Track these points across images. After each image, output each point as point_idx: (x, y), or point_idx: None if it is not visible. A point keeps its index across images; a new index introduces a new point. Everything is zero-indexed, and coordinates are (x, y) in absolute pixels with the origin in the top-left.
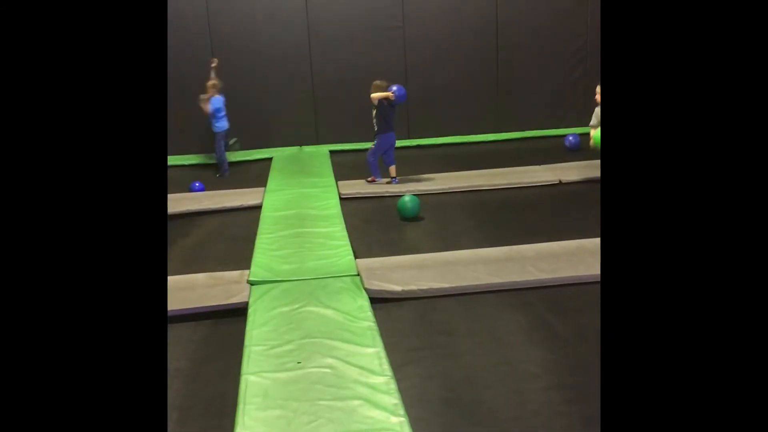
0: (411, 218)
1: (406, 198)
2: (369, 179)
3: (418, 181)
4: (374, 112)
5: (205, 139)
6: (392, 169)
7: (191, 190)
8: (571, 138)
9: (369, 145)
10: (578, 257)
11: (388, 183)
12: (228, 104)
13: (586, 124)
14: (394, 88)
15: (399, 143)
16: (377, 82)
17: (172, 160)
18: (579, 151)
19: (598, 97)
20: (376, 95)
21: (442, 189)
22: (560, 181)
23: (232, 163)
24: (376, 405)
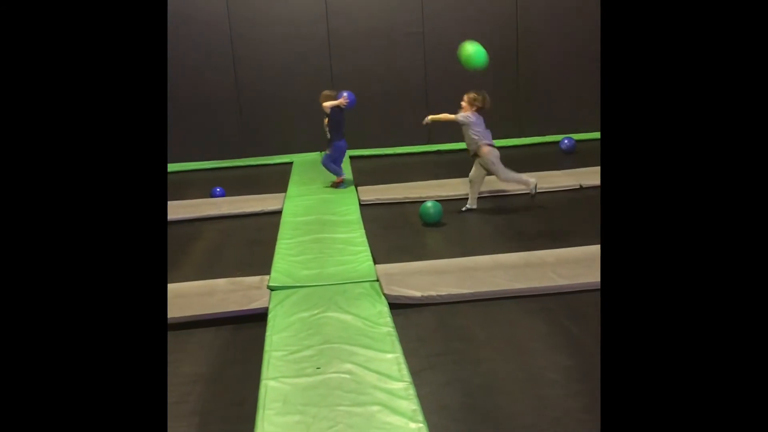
0: (433, 224)
1: (429, 204)
2: (336, 181)
3: (439, 186)
4: (326, 120)
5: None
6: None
7: (212, 195)
8: (566, 141)
9: (390, 150)
10: (598, 263)
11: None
12: (250, 109)
13: None
14: (345, 94)
15: (418, 149)
16: (326, 92)
17: (194, 165)
18: (575, 153)
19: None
20: (329, 104)
21: (462, 194)
22: (581, 185)
23: (250, 167)
24: (395, 411)
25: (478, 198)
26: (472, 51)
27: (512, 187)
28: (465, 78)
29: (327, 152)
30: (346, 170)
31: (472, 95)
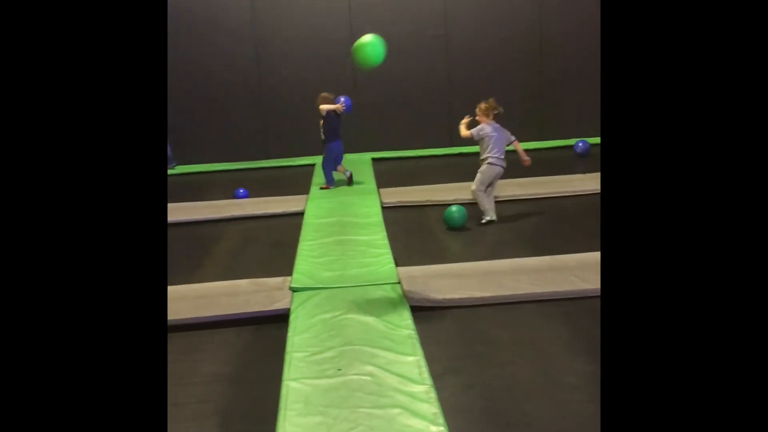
0: (457, 228)
1: (454, 208)
2: (322, 187)
3: (461, 189)
4: (321, 122)
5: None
6: (340, 168)
7: (236, 197)
8: (581, 144)
9: (412, 153)
10: None
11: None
12: (273, 111)
13: None
14: (342, 99)
15: (441, 151)
16: (324, 94)
17: (218, 166)
18: (589, 157)
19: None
20: (325, 107)
21: None
22: None
23: (273, 169)
24: (416, 414)
25: (500, 202)
26: (369, 49)
27: (475, 198)
28: (487, 81)
29: (324, 155)
30: (368, 173)
31: (483, 105)
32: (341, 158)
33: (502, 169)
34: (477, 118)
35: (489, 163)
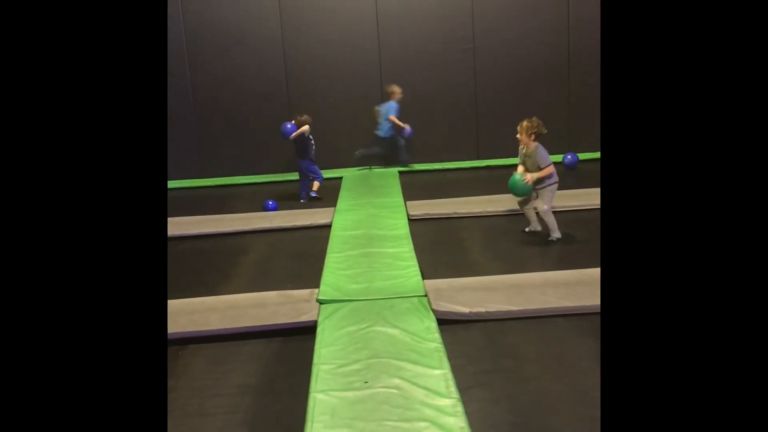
0: (523, 196)
1: (517, 176)
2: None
3: (488, 202)
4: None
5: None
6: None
7: (265, 208)
8: (569, 156)
9: (439, 165)
10: None
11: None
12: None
13: None
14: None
15: (468, 164)
16: (303, 117)
17: (247, 179)
18: (578, 170)
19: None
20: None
21: (511, 210)
22: None
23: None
24: (443, 427)
25: (519, 215)
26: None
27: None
28: (515, 94)
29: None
30: (395, 186)
31: (526, 124)
32: (307, 178)
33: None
34: (518, 136)
35: (556, 182)
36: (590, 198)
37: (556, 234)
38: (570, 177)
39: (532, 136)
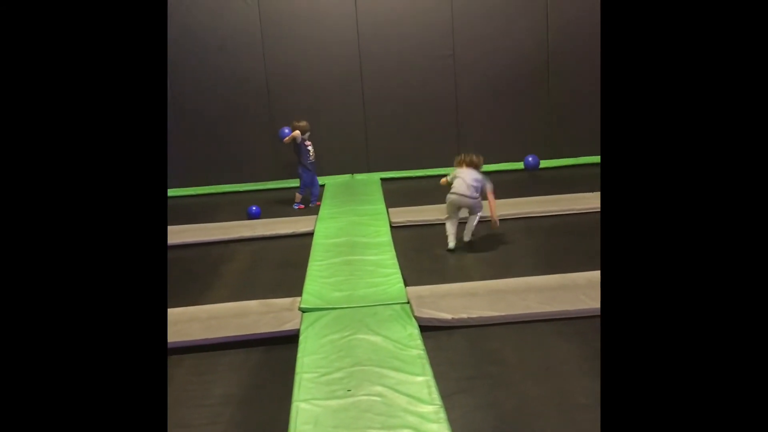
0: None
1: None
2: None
3: None
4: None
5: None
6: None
7: (249, 213)
8: (530, 159)
9: (421, 172)
10: None
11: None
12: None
13: None
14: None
15: (450, 170)
16: (301, 123)
17: (229, 187)
18: (538, 171)
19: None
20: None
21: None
22: None
23: (283, 189)
24: None
25: (511, 219)
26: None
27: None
28: (495, 101)
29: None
30: (377, 193)
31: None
32: (304, 184)
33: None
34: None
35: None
36: (568, 203)
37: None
38: (545, 183)
39: (462, 165)
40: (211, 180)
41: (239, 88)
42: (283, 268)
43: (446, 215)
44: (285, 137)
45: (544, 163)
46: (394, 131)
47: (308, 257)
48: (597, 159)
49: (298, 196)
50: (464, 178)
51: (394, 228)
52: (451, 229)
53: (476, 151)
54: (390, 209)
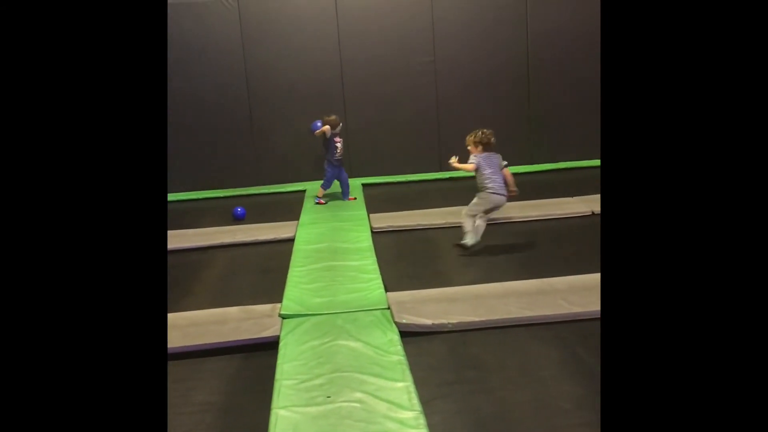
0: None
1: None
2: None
3: (451, 213)
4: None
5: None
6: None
7: (234, 214)
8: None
9: (402, 178)
10: None
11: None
12: (264, 138)
13: None
14: (318, 123)
15: (431, 176)
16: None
17: (210, 193)
18: (519, 176)
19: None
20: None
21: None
22: (593, 212)
23: (263, 195)
24: None
25: (491, 224)
26: None
27: (462, 221)
28: (476, 106)
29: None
30: (358, 199)
31: (470, 137)
32: (328, 179)
33: (502, 198)
34: (469, 147)
35: (493, 193)
36: (548, 208)
37: (466, 240)
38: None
39: (479, 147)
40: (192, 186)
41: (220, 93)
42: (263, 274)
43: (471, 213)
44: (316, 129)
45: (524, 168)
46: (376, 137)
47: (289, 263)
48: (577, 164)
49: (321, 191)
50: (495, 171)
51: (375, 233)
52: (470, 225)
53: (458, 154)
54: (371, 215)
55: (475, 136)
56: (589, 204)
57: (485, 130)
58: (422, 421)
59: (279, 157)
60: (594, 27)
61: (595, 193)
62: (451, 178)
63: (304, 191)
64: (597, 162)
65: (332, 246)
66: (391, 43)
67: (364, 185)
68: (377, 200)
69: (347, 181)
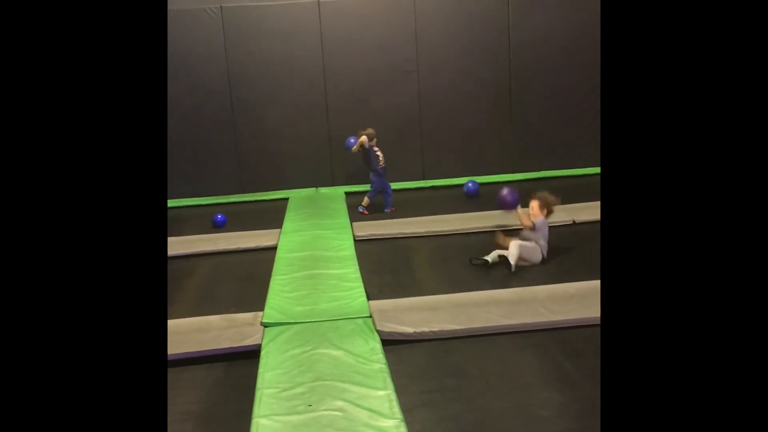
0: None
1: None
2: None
3: (433, 222)
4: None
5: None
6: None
7: (214, 222)
8: (470, 185)
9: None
10: (590, 299)
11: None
12: (247, 146)
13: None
14: (352, 140)
15: (413, 184)
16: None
17: (192, 201)
18: (478, 197)
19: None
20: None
21: (456, 230)
22: (574, 221)
23: (246, 203)
24: None
25: (473, 233)
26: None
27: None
28: (458, 116)
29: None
30: (339, 206)
31: (538, 202)
32: (373, 189)
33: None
34: (535, 205)
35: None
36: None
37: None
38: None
39: (544, 211)
40: (174, 193)
41: (203, 100)
42: (245, 282)
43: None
44: (351, 146)
45: (505, 177)
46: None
47: (271, 271)
48: (558, 173)
49: (367, 201)
50: (545, 237)
51: (358, 242)
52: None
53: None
54: (354, 223)
55: (545, 201)
56: (570, 213)
57: (556, 200)
58: (403, 429)
59: (261, 164)
60: (575, 37)
61: (576, 202)
62: (433, 187)
63: (287, 199)
64: (578, 171)
65: (314, 254)
66: (375, 52)
67: (347, 193)
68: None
69: (390, 191)
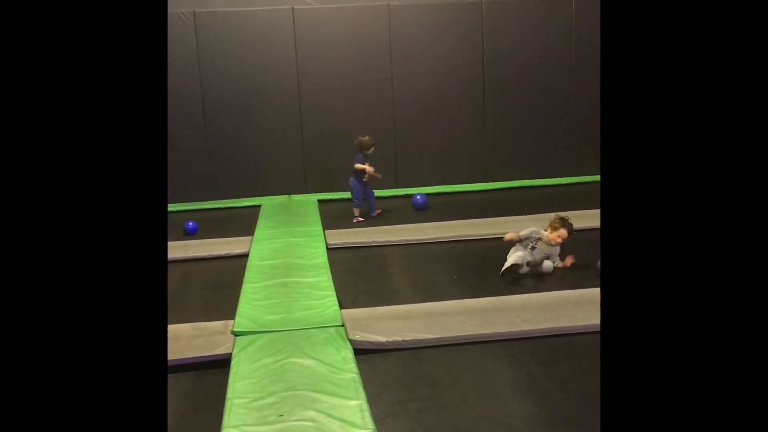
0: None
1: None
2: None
3: (406, 230)
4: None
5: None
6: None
7: (185, 229)
8: (418, 197)
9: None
10: (563, 308)
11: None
12: (219, 152)
13: (575, 173)
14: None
15: (387, 192)
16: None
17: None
18: (426, 210)
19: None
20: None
21: (429, 239)
22: None
23: (218, 210)
24: None
25: (446, 242)
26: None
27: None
28: (432, 123)
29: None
30: (312, 214)
31: (567, 231)
32: (355, 196)
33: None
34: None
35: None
36: (503, 226)
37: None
38: (479, 206)
39: (561, 239)
40: None
41: (174, 105)
42: (216, 290)
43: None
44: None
45: (479, 186)
46: (332, 152)
47: (242, 279)
48: (530, 182)
49: (356, 211)
50: (545, 257)
51: (331, 250)
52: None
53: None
54: (326, 231)
55: (570, 231)
56: (544, 223)
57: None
58: None
59: (234, 171)
60: (548, 48)
61: (549, 212)
62: (407, 195)
63: (259, 206)
64: (551, 180)
65: (287, 262)
66: (349, 59)
67: (319, 201)
68: (333, 216)
69: (373, 195)
